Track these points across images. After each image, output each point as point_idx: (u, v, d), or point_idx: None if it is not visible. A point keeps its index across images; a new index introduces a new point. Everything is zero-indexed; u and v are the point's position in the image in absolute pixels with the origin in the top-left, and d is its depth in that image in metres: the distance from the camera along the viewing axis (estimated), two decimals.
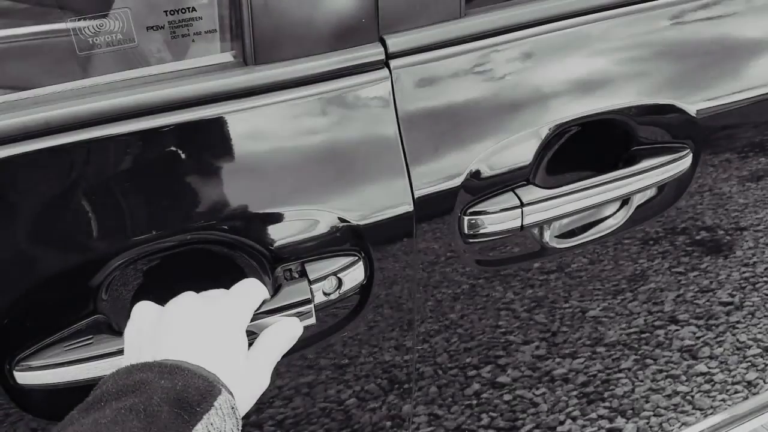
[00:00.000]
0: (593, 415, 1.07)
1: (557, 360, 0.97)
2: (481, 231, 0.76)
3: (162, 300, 0.59)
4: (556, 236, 0.82)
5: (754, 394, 1.21)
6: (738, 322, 1.10)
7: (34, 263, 0.62)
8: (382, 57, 0.70)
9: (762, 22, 0.89)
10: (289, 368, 0.76)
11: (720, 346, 1.11)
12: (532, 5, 0.76)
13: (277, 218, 0.68)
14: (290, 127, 0.68)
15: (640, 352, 1.04)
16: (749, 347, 1.15)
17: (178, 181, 0.65)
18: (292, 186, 0.68)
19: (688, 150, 0.83)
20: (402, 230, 0.73)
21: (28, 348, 0.62)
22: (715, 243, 1.00)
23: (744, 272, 1.06)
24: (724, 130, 0.88)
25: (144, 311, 0.58)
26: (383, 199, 0.71)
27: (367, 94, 0.70)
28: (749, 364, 1.17)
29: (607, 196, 0.79)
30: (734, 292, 1.07)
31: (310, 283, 0.67)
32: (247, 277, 0.64)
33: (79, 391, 0.61)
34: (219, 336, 0.55)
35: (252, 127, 0.67)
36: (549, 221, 0.79)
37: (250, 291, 0.61)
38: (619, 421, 1.09)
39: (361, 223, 0.70)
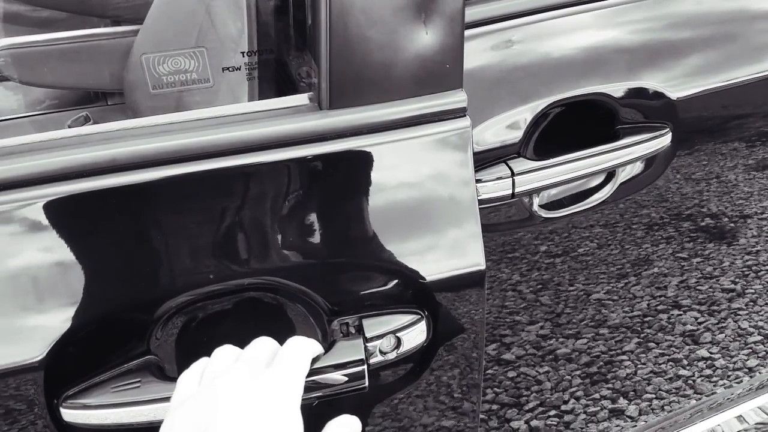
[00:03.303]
0: (596, 396, 1.11)
1: (561, 340, 1.02)
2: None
3: (210, 346, 0.56)
4: (542, 206, 0.89)
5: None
6: (740, 308, 1.14)
7: (99, 294, 0.61)
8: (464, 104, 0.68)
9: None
10: None
11: (722, 332, 1.15)
12: None
13: (340, 269, 0.66)
14: (361, 175, 0.66)
15: (643, 335, 1.09)
16: (750, 334, 1.17)
17: (244, 224, 0.64)
18: (358, 235, 0.66)
19: (668, 129, 0.89)
20: (472, 290, 0.70)
21: (76, 385, 0.61)
22: (718, 230, 1.05)
23: (747, 260, 1.10)
24: (701, 113, 0.95)
25: (187, 381, 0.53)
26: (454, 256, 0.69)
27: (445, 143, 0.68)
28: (750, 350, 1.19)
29: (591, 169, 0.86)
30: (737, 279, 1.11)
31: (366, 341, 0.65)
32: (299, 327, 0.59)
33: None
34: (272, 420, 0.48)
35: (321, 173, 0.65)
36: (538, 190, 0.86)
37: (301, 356, 0.54)
38: (622, 402, 1.13)
39: (429, 279, 0.68)
